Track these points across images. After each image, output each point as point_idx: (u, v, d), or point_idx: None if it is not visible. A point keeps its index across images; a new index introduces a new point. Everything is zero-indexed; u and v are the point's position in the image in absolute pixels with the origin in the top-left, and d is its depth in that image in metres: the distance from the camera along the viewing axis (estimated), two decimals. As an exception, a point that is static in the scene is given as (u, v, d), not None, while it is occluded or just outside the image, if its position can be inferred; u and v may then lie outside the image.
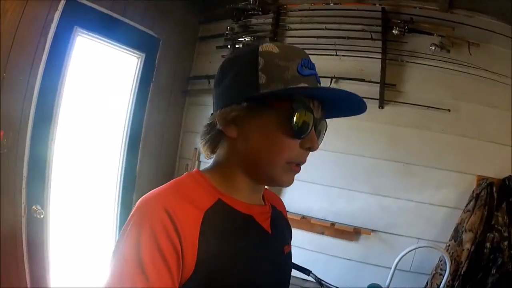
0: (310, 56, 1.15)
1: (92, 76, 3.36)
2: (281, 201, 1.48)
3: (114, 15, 3.30)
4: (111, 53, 3.49)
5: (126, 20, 3.43)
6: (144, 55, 3.73)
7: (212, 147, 1.21)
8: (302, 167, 1.15)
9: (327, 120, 1.19)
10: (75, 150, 3.34)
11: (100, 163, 3.66)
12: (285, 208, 1.47)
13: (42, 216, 2.92)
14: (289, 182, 1.15)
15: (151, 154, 4.03)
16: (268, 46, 1.10)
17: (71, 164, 3.32)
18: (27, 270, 2.87)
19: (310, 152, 1.14)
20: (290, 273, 1.36)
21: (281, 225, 1.33)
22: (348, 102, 1.11)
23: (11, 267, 2.79)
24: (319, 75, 1.13)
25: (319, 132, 1.15)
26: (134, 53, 3.69)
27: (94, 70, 3.37)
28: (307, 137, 1.09)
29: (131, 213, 1.02)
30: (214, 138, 1.19)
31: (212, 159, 1.23)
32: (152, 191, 1.07)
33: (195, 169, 1.22)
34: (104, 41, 3.35)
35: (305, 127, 1.06)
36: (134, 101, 3.75)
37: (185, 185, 1.12)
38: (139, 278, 0.91)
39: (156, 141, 4.09)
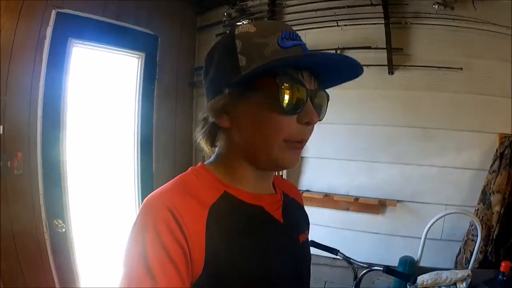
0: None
1: (94, 83, 3.31)
2: (295, 187, 1.41)
3: (107, 20, 3.22)
4: (110, 57, 3.43)
5: (121, 23, 3.35)
6: (144, 54, 3.66)
7: (211, 141, 1.16)
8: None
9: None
10: (88, 158, 3.32)
11: (115, 167, 3.63)
12: (299, 194, 1.40)
13: (64, 229, 2.94)
14: (292, 162, 1.06)
15: (166, 151, 3.99)
16: (244, 27, 1.05)
17: (86, 173, 3.31)
18: (56, 281, 2.91)
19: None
20: (309, 263, 1.28)
21: (294, 213, 1.27)
22: (340, 66, 1.03)
23: (40, 280, 2.82)
24: (322, 48, 1.03)
25: (318, 104, 1.07)
26: (133, 54, 3.62)
27: (96, 77, 3.32)
28: (303, 111, 1.01)
29: (137, 215, 0.98)
30: (211, 131, 1.14)
31: (215, 152, 1.17)
32: (156, 190, 1.02)
33: (200, 163, 1.15)
34: (101, 47, 3.29)
35: (296, 101, 0.99)
36: (140, 101, 3.69)
37: (189, 181, 1.07)
38: (147, 281, 0.88)
39: (169, 137, 4.04)
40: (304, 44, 1.05)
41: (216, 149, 1.16)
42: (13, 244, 2.62)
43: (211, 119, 1.09)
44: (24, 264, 2.68)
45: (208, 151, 1.19)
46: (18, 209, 2.67)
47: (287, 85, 0.97)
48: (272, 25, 1.06)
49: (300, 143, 1.05)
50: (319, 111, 1.07)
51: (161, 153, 3.91)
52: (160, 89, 3.84)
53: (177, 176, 1.09)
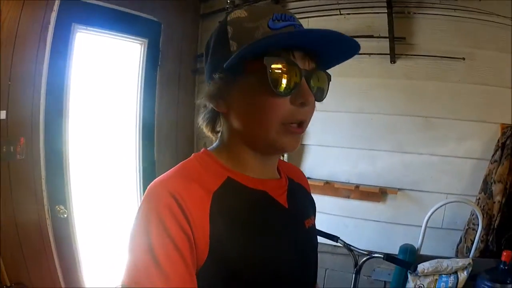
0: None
1: (97, 69, 3.27)
2: (301, 172, 1.39)
3: (111, 5, 3.16)
4: (113, 43, 3.38)
5: (124, 9, 3.29)
6: (147, 40, 3.60)
7: (212, 126, 1.16)
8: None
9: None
10: (90, 144, 3.29)
11: (116, 154, 3.60)
12: (305, 179, 1.39)
13: (65, 215, 2.92)
14: (292, 145, 1.04)
15: (167, 138, 3.95)
16: (236, 13, 1.03)
17: (88, 159, 3.28)
18: (58, 268, 2.89)
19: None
20: (315, 249, 1.28)
21: (300, 198, 1.26)
22: (335, 43, 0.99)
23: (42, 267, 2.80)
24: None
25: (317, 85, 1.03)
26: (136, 40, 3.57)
27: (99, 63, 3.28)
28: (297, 92, 0.97)
29: (141, 201, 0.97)
30: (211, 117, 1.14)
31: (217, 138, 1.16)
32: (158, 177, 1.01)
33: (203, 149, 1.13)
34: (105, 33, 3.24)
35: (287, 81, 0.95)
36: (143, 88, 3.65)
37: (192, 167, 1.06)
38: (153, 269, 0.87)
39: (171, 123, 3.99)
40: (299, 25, 1.02)
41: (219, 134, 1.15)
42: (15, 229, 2.58)
43: (209, 105, 1.09)
44: (26, 249, 2.65)
45: (212, 137, 1.18)
46: (20, 194, 2.63)
47: (275, 66, 0.94)
48: (263, 9, 1.03)
49: (299, 126, 1.02)
50: (319, 92, 1.04)
51: (163, 140, 3.87)
52: (163, 75, 3.79)
53: (180, 163, 1.08)
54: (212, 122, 1.15)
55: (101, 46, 3.28)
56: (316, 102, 1.03)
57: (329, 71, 1.08)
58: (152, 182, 0.99)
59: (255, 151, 1.08)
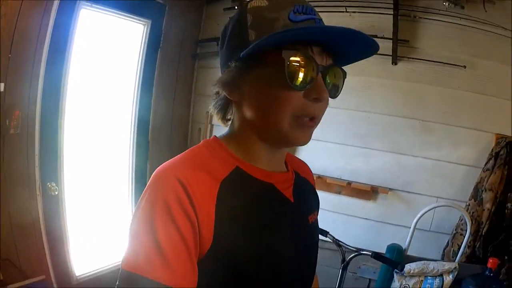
0: (319, 14, 1.00)
1: (99, 47, 3.23)
2: (307, 166, 1.37)
3: None
4: (116, 22, 3.34)
5: None
6: (150, 21, 3.56)
7: (223, 114, 1.13)
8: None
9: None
10: (85, 123, 3.25)
11: (111, 134, 3.56)
12: (311, 174, 1.37)
13: (56, 192, 2.90)
14: (304, 139, 1.02)
15: (163, 120, 3.92)
16: (256, 2, 1.00)
17: (83, 138, 3.24)
18: (45, 245, 2.87)
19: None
20: (317, 244, 1.26)
21: (305, 192, 1.24)
22: (354, 41, 0.96)
23: (30, 244, 2.78)
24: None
25: (332, 81, 1.01)
26: (140, 20, 3.53)
27: (101, 41, 3.24)
28: (311, 87, 0.95)
29: (146, 186, 0.95)
30: (223, 105, 1.11)
31: (228, 126, 1.14)
32: (166, 162, 0.99)
33: (213, 136, 1.12)
34: (109, 11, 3.19)
35: (304, 76, 0.93)
36: (142, 68, 3.62)
37: (201, 154, 1.04)
38: (155, 256, 0.86)
39: (167, 107, 3.96)
40: (320, 19, 1.00)
41: (229, 123, 1.13)
42: (7, 204, 2.56)
43: (222, 93, 1.07)
44: (15, 225, 2.64)
45: (222, 125, 1.16)
46: (12, 169, 2.61)
47: (293, 59, 0.92)
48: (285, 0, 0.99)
49: (311, 120, 1.00)
50: (334, 89, 1.02)
51: (158, 123, 3.84)
52: (163, 58, 3.76)
53: (189, 149, 1.06)
54: (224, 110, 1.12)
55: (104, 24, 3.24)
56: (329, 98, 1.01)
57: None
58: (160, 166, 0.97)
59: (265, 143, 1.06)
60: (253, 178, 1.05)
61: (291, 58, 0.92)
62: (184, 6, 3.94)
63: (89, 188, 3.34)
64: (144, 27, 3.58)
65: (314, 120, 1.00)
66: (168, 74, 3.90)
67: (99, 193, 3.45)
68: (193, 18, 4.12)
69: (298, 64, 0.92)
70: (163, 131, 3.93)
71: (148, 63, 3.64)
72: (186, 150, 1.05)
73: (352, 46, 0.98)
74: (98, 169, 3.43)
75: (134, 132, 3.67)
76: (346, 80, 1.04)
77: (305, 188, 1.25)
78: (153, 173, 0.96)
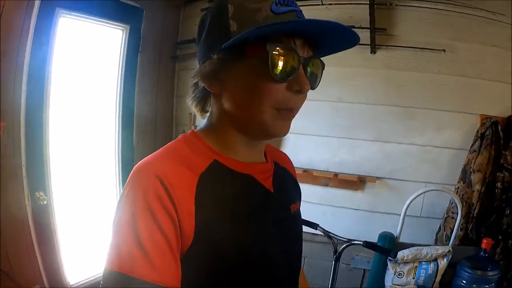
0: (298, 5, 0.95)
1: (79, 54, 3.15)
2: (286, 156, 1.37)
3: None
4: (96, 29, 3.26)
5: None
6: (128, 26, 3.48)
7: (202, 106, 1.12)
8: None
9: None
10: (70, 130, 3.17)
11: (96, 140, 3.48)
12: (291, 164, 1.37)
13: (45, 202, 2.83)
14: (283, 130, 1.02)
15: (147, 125, 3.84)
16: None
17: (68, 145, 3.16)
18: (38, 255, 2.81)
19: (304, 104, 1.01)
20: (300, 234, 1.26)
21: (286, 182, 1.24)
22: (336, 34, 0.96)
23: (22, 254, 2.73)
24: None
25: (312, 72, 1.01)
26: (118, 26, 3.44)
27: (81, 48, 3.16)
28: (294, 79, 0.95)
29: (126, 182, 0.94)
30: (202, 97, 1.10)
31: (206, 119, 1.13)
32: (145, 158, 0.98)
33: (190, 130, 1.11)
34: (87, 18, 3.11)
35: (287, 68, 0.93)
36: (123, 74, 3.53)
37: (179, 148, 1.04)
38: (137, 254, 0.85)
39: (150, 110, 3.88)
40: (300, 11, 0.99)
41: (208, 115, 1.12)
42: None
43: (201, 84, 1.05)
44: (6, 236, 2.56)
45: (200, 117, 1.14)
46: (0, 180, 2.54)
47: (276, 52, 0.91)
48: None
49: (291, 111, 1.00)
50: (313, 80, 1.02)
51: (142, 127, 3.76)
52: (143, 62, 3.67)
53: (168, 144, 1.05)
54: (203, 102, 1.10)
55: (83, 32, 3.16)
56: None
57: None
58: (139, 163, 0.96)
59: (245, 135, 1.05)
60: (231, 170, 1.04)
61: (274, 51, 0.91)
62: (162, 9, 3.85)
63: (78, 195, 3.27)
64: (123, 32, 3.49)
65: (293, 111, 1.01)
66: (149, 77, 3.81)
67: (89, 200, 3.36)
68: (171, 20, 4.03)
69: (281, 57, 0.92)
70: (147, 134, 3.84)
71: (128, 68, 3.56)
72: (166, 145, 1.04)
73: (335, 38, 0.98)
74: (85, 176, 3.35)
75: (118, 138, 3.60)
76: (326, 72, 1.03)
77: (285, 178, 1.25)
78: (132, 170, 0.94)
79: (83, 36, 3.16)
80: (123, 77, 3.53)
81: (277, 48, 0.91)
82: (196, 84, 1.07)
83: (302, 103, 1.02)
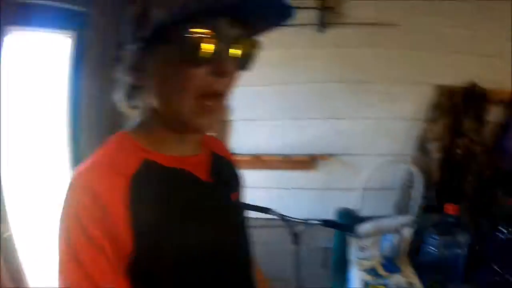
0: None
1: (29, 68, 2.91)
2: (222, 144, 1.29)
3: (37, 1, 2.78)
4: (46, 40, 3.04)
5: (51, 3, 2.90)
6: (76, 33, 3.25)
7: (129, 102, 1.00)
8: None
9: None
10: (20, 147, 2.84)
11: (48, 150, 3.16)
12: (227, 151, 1.29)
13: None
14: (207, 125, 0.94)
15: (92, 129, 3.65)
16: None
17: (19, 167, 2.80)
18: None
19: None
20: (244, 221, 1.20)
21: (224, 171, 1.17)
22: (266, 7, 0.87)
23: None
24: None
25: (241, 52, 0.91)
26: (67, 34, 3.17)
27: (30, 62, 2.92)
28: (216, 61, 0.86)
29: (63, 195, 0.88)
30: (127, 92, 0.99)
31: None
32: (77, 167, 0.92)
33: (121, 130, 1.03)
34: (34, 29, 2.85)
35: (204, 50, 0.83)
36: (72, 81, 3.25)
37: (109, 152, 0.97)
38: (75, 268, 0.81)
39: (97, 116, 3.69)
40: None
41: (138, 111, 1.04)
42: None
43: (124, 77, 0.96)
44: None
45: (129, 114, 1.05)
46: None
47: (194, 33, 0.82)
48: None
49: (215, 99, 0.91)
50: (244, 61, 0.93)
51: (88, 131, 3.57)
52: (89, 66, 3.38)
53: (99, 147, 0.98)
54: (129, 98, 0.99)
55: (31, 44, 2.93)
56: (242, 72, 0.95)
57: None
58: (73, 174, 0.90)
59: (172, 130, 0.98)
60: (164, 167, 0.97)
61: (191, 33, 0.82)
62: (106, 11, 3.71)
63: (39, 225, 2.93)
64: (72, 40, 3.31)
65: (219, 99, 0.93)
66: (95, 81, 3.64)
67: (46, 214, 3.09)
68: (116, 22, 3.84)
69: (199, 38, 0.83)
70: (97, 139, 3.65)
71: (76, 74, 3.30)
72: (96, 150, 0.96)
73: (264, 14, 0.89)
74: (41, 196, 2.99)
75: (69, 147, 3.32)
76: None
77: (223, 167, 1.18)
78: (69, 181, 0.89)
79: (31, 48, 2.93)
80: (71, 85, 3.26)
81: (194, 28, 0.82)
82: (118, 78, 0.98)
83: (229, 89, 0.93)
